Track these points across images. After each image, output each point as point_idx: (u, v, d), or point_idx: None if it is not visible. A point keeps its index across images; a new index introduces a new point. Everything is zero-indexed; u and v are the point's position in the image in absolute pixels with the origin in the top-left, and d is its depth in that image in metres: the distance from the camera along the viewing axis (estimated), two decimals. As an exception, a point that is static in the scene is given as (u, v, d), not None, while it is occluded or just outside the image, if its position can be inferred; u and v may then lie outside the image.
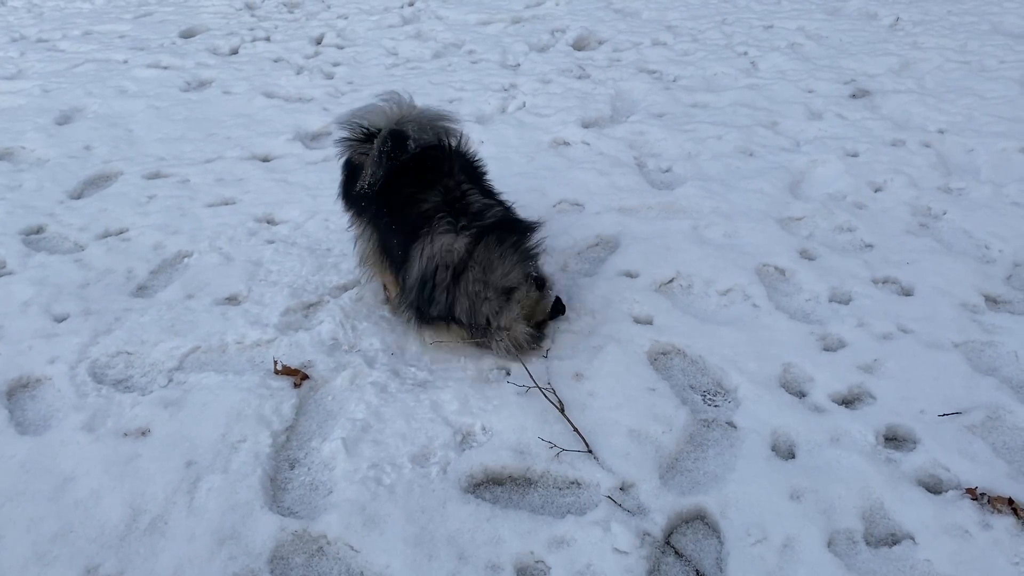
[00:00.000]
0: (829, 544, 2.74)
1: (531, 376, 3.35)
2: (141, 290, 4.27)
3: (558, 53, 7.59)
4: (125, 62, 7.87)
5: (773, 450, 3.13)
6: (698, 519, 2.91)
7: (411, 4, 9.57)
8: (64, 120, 6.51)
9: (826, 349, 3.64)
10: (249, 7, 9.73)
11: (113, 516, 2.89)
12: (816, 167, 5.17)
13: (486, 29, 8.53)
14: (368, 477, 3.03)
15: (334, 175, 5.35)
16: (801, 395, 3.41)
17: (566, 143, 5.75)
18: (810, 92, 6.28)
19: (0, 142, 6.02)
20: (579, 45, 7.86)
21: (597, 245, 4.51)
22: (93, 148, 5.94)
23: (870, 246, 4.42)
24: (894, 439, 3.20)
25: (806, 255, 4.29)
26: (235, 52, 8.17)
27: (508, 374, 3.53)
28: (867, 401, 3.36)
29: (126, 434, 3.24)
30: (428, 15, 9.12)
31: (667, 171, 5.29)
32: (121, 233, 4.77)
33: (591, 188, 4.99)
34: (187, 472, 3.04)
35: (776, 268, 4.20)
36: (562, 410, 3.26)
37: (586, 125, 5.95)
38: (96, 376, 3.61)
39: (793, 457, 3.10)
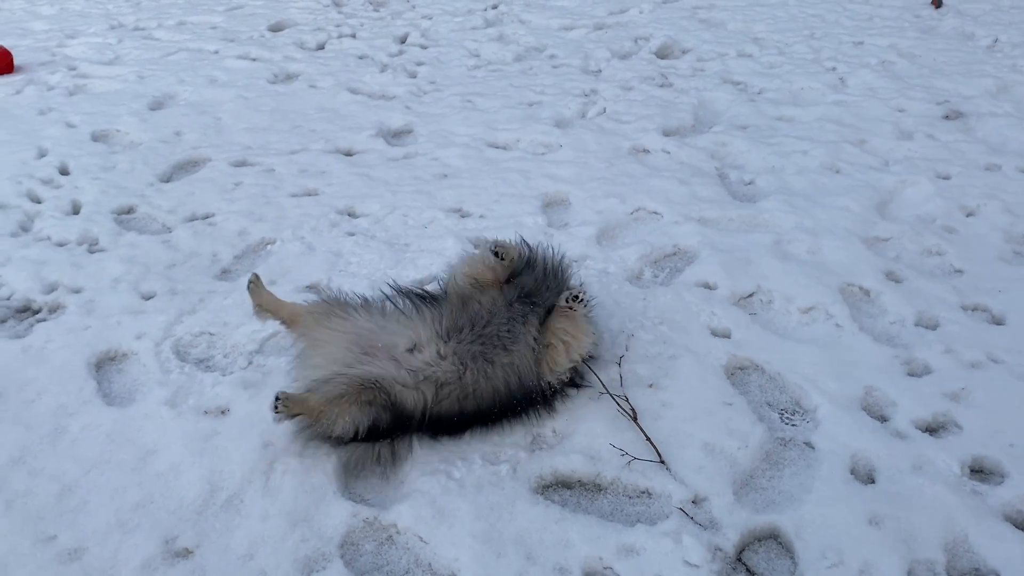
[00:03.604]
0: (909, 574, 2.66)
1: (602, 383, 3.33)
2: (225, 273, 4.38)
3: (641, 61, 7.54)
4: (216, 52, 8.08)
5: (852, 473, 3.04)
6: (771, 538, 2.85)
7: (494, 7, 9.62)
8: (157, 106, 6.71)
9: (911, 374, 3.53)
10: (336, 4, 9.91)
11: (192, 491, 2.97)
12: (905, 188, 5.02)
13: (568, 34, 8.52)
14: (439, 470, 3.05)
15: (414, 172, 5.45)
16: (883, 419, 3.31)
17: (646, 151, 5.71)
18: (901, 111, 6.10)
19: (97, 124, 6.25)
20: (662, 53, 7.80)
21: (675, 255, 4.46)
22: (183, 134, 6.12)
23: (960, 271, 4.27)
24: (980, 471, 3.08)
25: (892, 277, 4.17)
26: (321, 47, 8.33)
27: (582, 378, 3.51)
28: (952, 430, 3.25)
29: (206, 412, 3.33)
30: (511, 18, 9.16)
31: (750, 184, 5.20)
32: (207, 217, 4.91)
33: (671, 197, 4.93)
34: (264, 453, 3.10)
35: (861, 288, 4.09)
36: (635, 418, 3.23)
37: (667, 133, 5.89)
38: (179, 354, 3.72)
39: (873, 482, 3.01)
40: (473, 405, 3.15)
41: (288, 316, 3.37)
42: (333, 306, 3.32)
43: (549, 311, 3.33)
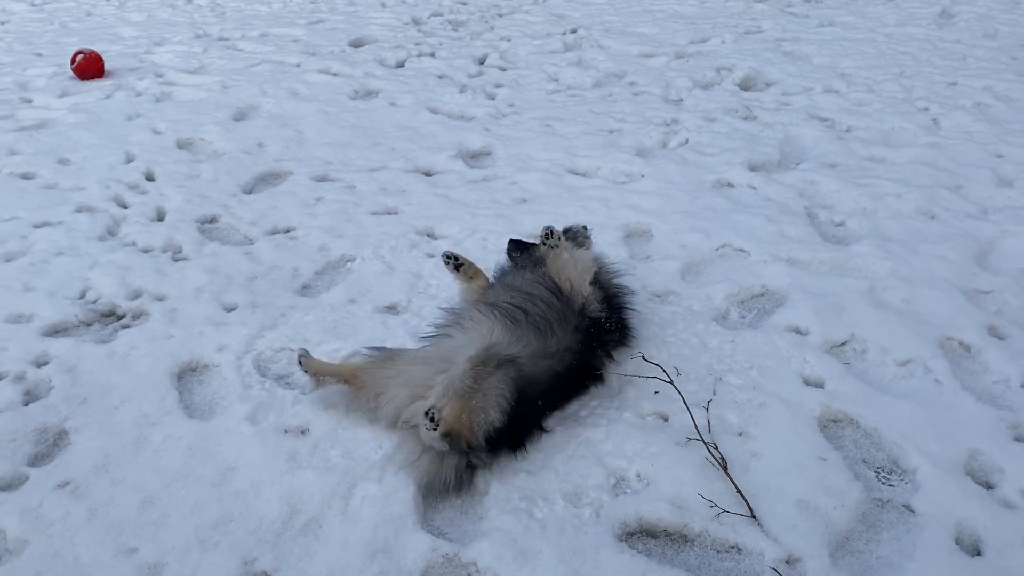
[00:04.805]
0: (1024, 660, 2.48)
1: (698, 430, 3.20)
2: (306, 289, 4.38)
3: (723, 92, 7.41)
4: (298, 65, 8.19)
5: (957, 543, 2.87)
6: (871, 608, 2.70)
7: (573, 31, 9.59)
8: (240, 116, 6.82)
9: (1018, 440, 3.33)
10: (416, 22, 9.99)
11: (271, 511, 2.94)
12: (1006, 238, 4.79)
13: (648, 62, 8.43)
14: (519, 508, 2.97)
15: (493, 195, 5.40)
16: (988, 486, 3.12)
17: (730, 184, 5.58)
18: (999, 157, 5.86)
19: (182, 132, 6.36)
20: (746, 85, 7.65)
21: (762, 295, 4.31)
22: (266, 146, 6.19)
23: (1068, 331, 4.05)
24: (1097, 551, 2.88)
25: (994, 332, 3.96)
26: (401, 65, 8.38)
27: (666, 421, 3.40)
28: (1066, 504, 3.05)
29: (287, 431, 3.30)
30: (590, 43, 9.11)
31: (840, 225, 5.02)
32: (289, 231, 4.92)
33: (758, 234, 4.79)
34: (343, 477, 3.06)
35: (961, 343, 3.89)
36: (725, 468, 3.10)
37: (753, 168, 5.74)
38: (260, 369, 3.71)
39: (980, 555, 2.83)
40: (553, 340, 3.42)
41: (347, 375, 3.43)
42: (382, 355, 3.45)
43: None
